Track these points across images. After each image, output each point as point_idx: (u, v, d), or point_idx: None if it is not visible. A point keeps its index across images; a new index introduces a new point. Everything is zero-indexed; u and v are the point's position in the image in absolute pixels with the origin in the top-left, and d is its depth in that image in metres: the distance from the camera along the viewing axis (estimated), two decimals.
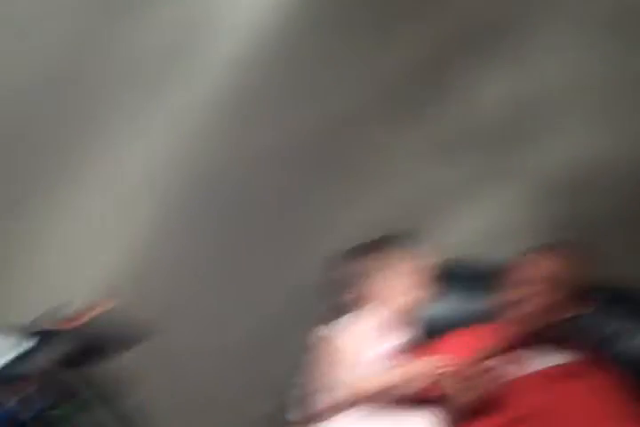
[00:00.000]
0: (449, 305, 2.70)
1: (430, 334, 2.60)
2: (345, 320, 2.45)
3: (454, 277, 2.71)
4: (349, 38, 2.91)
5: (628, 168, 2.98)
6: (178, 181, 2.75)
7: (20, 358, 2.27)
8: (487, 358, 2.49)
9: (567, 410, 2.44)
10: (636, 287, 2.78)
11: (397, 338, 2.48)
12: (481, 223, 2.97)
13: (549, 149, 2.98)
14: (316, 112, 2.85)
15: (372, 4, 2.95)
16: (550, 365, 2.53)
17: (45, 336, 2.34)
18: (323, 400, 2.41)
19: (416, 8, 2.96)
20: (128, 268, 2.69)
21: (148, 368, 2.59)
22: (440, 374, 2.35)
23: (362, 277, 2.46)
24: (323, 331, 2.46)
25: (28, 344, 2.31)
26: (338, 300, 2.46)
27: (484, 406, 2.39)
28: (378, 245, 2.50)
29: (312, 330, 2.48)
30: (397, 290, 2.46)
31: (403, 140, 2.91)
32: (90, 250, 2.74)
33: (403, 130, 2.90)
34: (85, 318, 2.36)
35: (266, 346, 2.78)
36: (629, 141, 2.98)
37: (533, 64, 3.00)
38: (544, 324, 2.54)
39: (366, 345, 2.43)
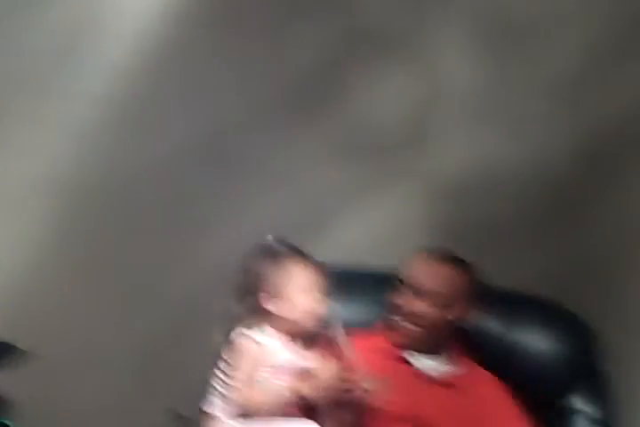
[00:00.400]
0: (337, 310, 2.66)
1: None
2: (250, 326, 2.40)
3: (342, 282, 2.66)
4: (241, 40, 2.88)
5: (523, 172, 3.00)
6: (71, 185, 2.70)
7: None
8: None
9: (471, 413, 2.50)
10: (524, 292, 2.80)
11: (299, 350, 2.44)
12: (374, 225, 2.96)
13: (444, 151, 2.99)
14: (210, 114, 2.81)
15: (264, 5, 2.89)
16: (442, 372, 2.56)
17: None
18: (217, 403, 2.40)
19: (311, 8, 2.92)
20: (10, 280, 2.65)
21: (26, 390, 2.57)
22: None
23: (265, 283, 2.41)
24: (225, 333, 2.42)
25: None
26: (243, 302, 2.41)
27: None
28: (279, 252, 2.44)
29: (215, 332, 2.41)
30: (290, 293, 2.41)
31: (299, 140, 2.89)
32: None
33: (299, 129, 2.88)
34: None
35: (166, 351, 2.75)
36: (525, 145, 3.00)
37: (430, 66, 3.00)
38: (432, 335, 2.56)
39: (270, 354, 2.38)
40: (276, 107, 2.87)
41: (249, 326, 2.41)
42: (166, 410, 2.69)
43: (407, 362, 2.56)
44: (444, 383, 2.54)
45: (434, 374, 2.56)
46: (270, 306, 2.42)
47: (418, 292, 2.53)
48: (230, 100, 2.84)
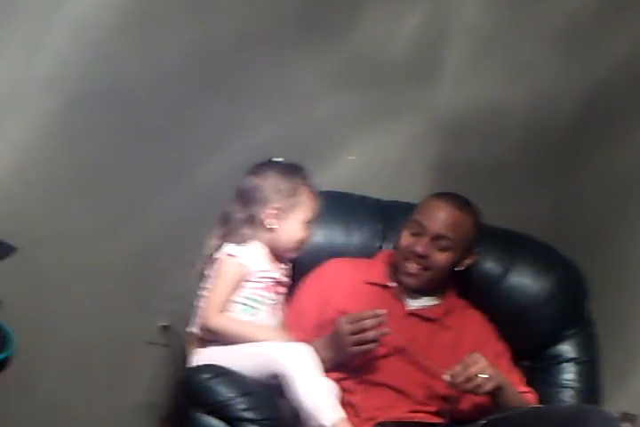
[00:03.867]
0: (331, 236, 2.66)
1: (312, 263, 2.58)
2: (239, 242, 2.41)
3: (337, 209, 2.66)
4: None
5: (528, 116, 2.97)
6: (71, 88, 2.61)
7: None
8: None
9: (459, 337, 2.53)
10: (522, 234, 2.79)
11: (282, 268, 2.46)
12: (375, 157, 2.91)
13: (450, 89, 2.93)
14: (216, 30, 2.72)
15: None
16: (432, 308, 2.56)
17: None
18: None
19: None
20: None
21: (14, 285, 2.51)
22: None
23: (276, 200, 2.40)
24: (215, 248, 2.41)
25: None
26: (245, 209, 2.40)
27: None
28: (292, 171, 2.44)
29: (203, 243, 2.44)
30: (294, 219, 2.42)
31: (304, 65, 2.81)
32: None
33: (305, 54, 2.81)
34: None
35: (155, 259, 2.70)
36: (531, 89, 2.96)
37: (441, 1, 2.92)
38: (436, 278, 2.55)
39: (255, 270, 2.39)
40: (283, 28, 2.79)
41: (239, 242, 2.41)
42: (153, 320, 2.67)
43: (400, 297, 2.55)
44: (432, 319, 2.54)
45: (423, 309, 2.55)
46: (271, 223, 2.40)
47: (437, 240, 2.51)
48: (236, 17, 2.75)
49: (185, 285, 2.63)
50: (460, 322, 2.57)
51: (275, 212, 2.41)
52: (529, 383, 2.58)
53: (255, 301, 2.39)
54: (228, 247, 2.41)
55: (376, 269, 2.60)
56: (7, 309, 2.49)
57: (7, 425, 2.56)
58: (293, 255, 2.48)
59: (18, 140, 2.55)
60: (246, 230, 2.41)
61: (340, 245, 2.65)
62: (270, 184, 2.42)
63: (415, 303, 2.56)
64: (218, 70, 2.72)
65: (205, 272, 2.42)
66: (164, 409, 2.66)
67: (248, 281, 2.39)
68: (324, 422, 2.17)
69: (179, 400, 2.45)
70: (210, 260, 2.42)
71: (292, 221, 2.42)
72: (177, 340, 2.66)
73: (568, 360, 2.67)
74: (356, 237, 2.69)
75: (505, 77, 2.97)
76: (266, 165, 2.46)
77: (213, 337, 2.35)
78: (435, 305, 2.57)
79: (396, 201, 2.74)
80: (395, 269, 2.57)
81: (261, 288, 2.41)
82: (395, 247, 2.61)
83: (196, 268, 2.43)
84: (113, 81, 2.62)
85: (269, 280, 2.42)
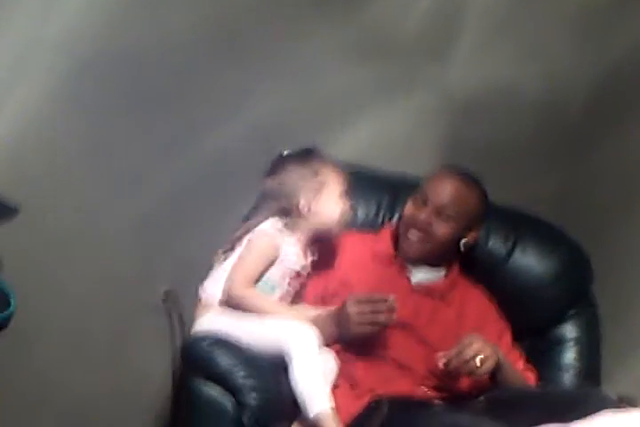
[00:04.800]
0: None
1: None
2: (282, 226, 2.42)
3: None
4: None
5: (539, 96, 2.95)
6: (83, 55, 2.59)
7: None
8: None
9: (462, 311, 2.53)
10: (529, 214, 2.78)
11: (307, 261, 2.45)
12: (384, 131, 2.89)
13: (463, 66, 2.91)
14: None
15: None
16: (435, 283, 2.56)
17: None
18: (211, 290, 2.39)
19: None
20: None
21: (15, 247, 2.48)
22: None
23: (291, 188, 2.41)
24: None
25: None
26: (275, 203, 2.42)
27: None
28: (306, 157, 2.45)
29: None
30: (327, 203, 2.43)
31: (317, 36, 2.78)
32: None
33: (321, 26, 2.77)
34: None
35: (158, 225, 2.68)
36: (544, 70, 2.94)
37: None
38: (439, 252, 2.55)
39: (283, 257, 2.40)
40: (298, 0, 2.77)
41: (280, 226, 2.42)
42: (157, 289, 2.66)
43: (404, 271, 2.55)
44: (435, 294, 2.54)
45: (427, 283, 2.56)
46: (306, 211, 2.42)
47: (440, 211, 2.51)
48: None
49: (189, 251, 2.65)
50: (463, 298, 2.57)
51: (306, 197, 2.41)
52: (529, 362, 2.58)
53: (267, 285, 2.39)
54: (265, 225, 2.42)
55: (382, 242, 2.59)
56: (8, 269, 2.47)
57: (4, 387, 2.55)
58: (338, 232, 2.48)
59: (27, 103, 2.53)
60: (282, 222, 2.42)
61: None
62: (292, 176, 2.43)
63: (420, 275, 2.56)
64: (230, 39, 2.69)
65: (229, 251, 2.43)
66: (164, 376, 2.65)
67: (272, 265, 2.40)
68: (309, 412, 2.18)
69: (178, 367, 2.44)
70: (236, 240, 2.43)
71: (326, 201, 2.43)
72: (179, 306, 2.65)
73: (570, 341, 2.67)
74: (363, 210, 2.69)
75: (518, 58, 2.95)
76: (280, 161, 2.46)
77: (235, 307, 2.34)
78: (438, 279, 2.57)
79: (404, 174, 2.73)
80: (397, 240, 2.57)
81: (280, 276, 2.40)
82: (399, 218, 2.62)
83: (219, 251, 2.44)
84: (124, 46, 2.59)
85: (291, 271, 2.41)
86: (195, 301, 2.45)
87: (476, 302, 2.59)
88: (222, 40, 2.68)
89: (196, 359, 2.26)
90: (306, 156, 2.46)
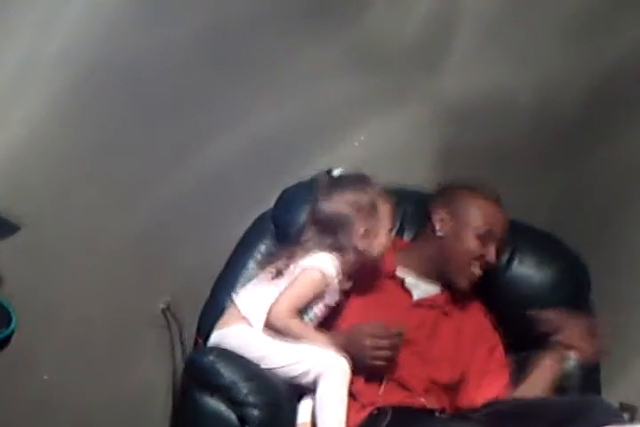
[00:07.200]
0: None
1: None
2: (331, 262, 2.37)
3: None
4: None
5: (534, 103, 2.96)
6: (83, 68, 2.59)
7: None
8: None
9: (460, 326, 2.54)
10: (525, 223, 2.78)
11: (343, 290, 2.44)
12: (381, 141, 2.90)
13: (458, 75, 2.93)
14: (228, 11, 2.69)
15: None
16: (435, 295, 2.56)
17: None
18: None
19: None
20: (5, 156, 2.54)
21: (16, 263, 2.49)
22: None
23: (347, 220, 2.36)
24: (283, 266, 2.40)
25: None
26: (327, 238, 2.38)
27: None
28: (363, 184, 2.41)
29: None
30: (381, 232, 2.40)
31: (313, 47, 2.79)
32: None
33: (316, 38, 2.78)
34: None
35: (159, 238, 2.69)
36: (538, 76, 2.95)
37: None
38: None
39: (328, 293, 2.39)
40: (293, 12, 2.76)
41: (337, 266, 2.37)
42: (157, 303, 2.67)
43: (403, 284, 2.55)
44: (436, 307, 2.54)
45: (428, 297, 2.56)
46: (362, 245, 2.38)
47: (501, 243, 2.55)
48: None
49: (189, 264, 2.65)
50: (461, 310, 2.58)
51: (364, 233, 2.37)
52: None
53: (307, 315, 2.38)
54: (322, 262, 2.36)
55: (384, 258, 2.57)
56: (9, 287, 2.47)
57: (7, 403, 2.54)
58: (377, 264, 2.47)
59: (26, 118, 2.53)
60: (338, 261, 2.38)
61: None
62: (350, 206, 2.37)
63: (420, 289, 2.55)
64: (228, 51, 2.70)
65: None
66: (166, 388, 2.66)
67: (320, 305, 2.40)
68: None
69: (180, 381, 2.45)
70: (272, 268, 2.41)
71: (380, 235, 2.40)
72: (179, 319, 2.66)
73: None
74: None
75: (512, 64, 2.96)
76: (334, 185, 2.41)
77: (275, 332, 2.32)
78: (438, 292, 2.57)
79: (403, 185, 2.71)
80: (444, 267, 2.55)
81: (319, 310, 2.39)
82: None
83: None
84: (124, 59, 2.59)
85: (332, 303, 2.41)
86: (197, 312, 2.48)
87: (473, 315, 2.60)
88: (220, 54, 2.68)
89: (199, 374, 2.27)
90: (361, 183, 2.40)
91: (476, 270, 2.53)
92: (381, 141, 2.88)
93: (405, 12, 2.87)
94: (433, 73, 2.91)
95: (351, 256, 2.38)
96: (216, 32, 2.67)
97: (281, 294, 2.35)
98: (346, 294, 2.46)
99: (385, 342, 2.34)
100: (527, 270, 2.68)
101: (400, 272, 2.56)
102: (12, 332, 2.36)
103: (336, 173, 2.44)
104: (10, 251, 2.42)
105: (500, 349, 2.58)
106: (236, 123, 2.72)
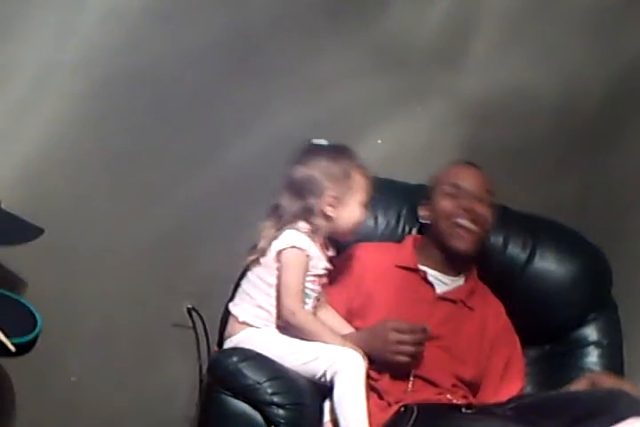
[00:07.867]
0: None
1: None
2: (298, 231, 2.38)
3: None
4: None
5: (554, 100, 2.96)
6: (101, 74, 2.61)
7: None
8: None
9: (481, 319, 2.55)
10: (546, 218, 2.79)
11: (328, 257, 2.44)
12: (401, 140, 2.91)
13: (478, 73, 2.94)
14: (245, 14, 2.72)
15: None
16: (455, 290, 2.57)
17: None
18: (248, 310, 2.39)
19: None
20: (27, 161, 2.55)
21: (41, 267, 2.51)
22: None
23: (319, 185, 2.37)
24: (269, 239, 2.39)
25: None
26: (298, 202, 2.38)
27: None
28: (340, 154, 2.41)
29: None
30: (352, 203, 2.40)
31: (332, 48, 2.81)
32: None
33: (336, 38, 2.81)
34: None
35: (182, 241, 2.70)
36: (558, 74, 2.97)
37: None
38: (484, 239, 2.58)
39: (313, 263, 2.39)
40: (312, 13, 2.78)
41: (307, 233, 2.38)
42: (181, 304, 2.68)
43: (426, 279, 2.56)
44: (459, 301, 2.55)
45: (451, 291, 2.57)
46: (330, 211, 2.39)
47: (480, 198, 2.54)
48: (266, 1, 2.75)
49: (212, 267, 2.66)
50: (482, 306, 2.59)
51: (333, 200, 2.38)
52: (550, 367, 2.64)
53: (305, 294, 2.39)
54: (292, 238, 2.37)
55: (405, 252, 2.61)
56: (34, 290, 2.50)
57: (33, 406, 2.56)
58: (351, 239, 2.47)
59: (47, 123, 2.56)
60: (303, 221, 2.38)
61: (365, 229, 2.62)
62: (322, 172, 2.38)
63: (443, 283, 2.57)
64: (246, 54, 2.72)
65: (255, 261, 2.41)
66: (191, 389, 2.67)
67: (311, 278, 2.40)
68: None
69: (205, 380, 2.46)
70: (262, 251, 2.40)
71: (350, 205, 2.40)
72: (203, 320, 2.67)
73: (590, 344, 2.69)
74: (382, 222, 2.70)
75: (532, 62, 2.97)
76: (312, 152, 2.42)
77: (296, 331, 2.34)
78: (459, 286, 2.58)
79: (423, 185, 2.72)
80: (440, 240, 2.56)
81: (312, 281, 2.40)
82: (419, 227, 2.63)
83: (247, 257, 2.42)
84: (142, 64, 2.61)
85: (320, 271, 2.41)
86: (219, 314, 2.49)
87: (495, 313, 2.60)
88: (237, 56, 2.70)
89: (223, 375, 2.27)
90: (339, 153, 2.41)
91: (465, 223, 2.52)
92: (403, 140, 2.90)
93: (426, 11, 2.89)
94: (454, 71, 2.92)
95: (320, 222, 2.37)
96: (237, 34, 2.69)
97: (280, 293, 2.35)
98: (369, 294, 2.48)
99: (408, 338, 2.35)
100: (549, 266, 2.68)
101: (422, 267, 2.57)
102: (38, 335, 2.37)
103: (317, 141, 2.44)
104: (35, 255, 2.43)
105: (519, 348, 2.60)
106: (257, 125, 2.74)
